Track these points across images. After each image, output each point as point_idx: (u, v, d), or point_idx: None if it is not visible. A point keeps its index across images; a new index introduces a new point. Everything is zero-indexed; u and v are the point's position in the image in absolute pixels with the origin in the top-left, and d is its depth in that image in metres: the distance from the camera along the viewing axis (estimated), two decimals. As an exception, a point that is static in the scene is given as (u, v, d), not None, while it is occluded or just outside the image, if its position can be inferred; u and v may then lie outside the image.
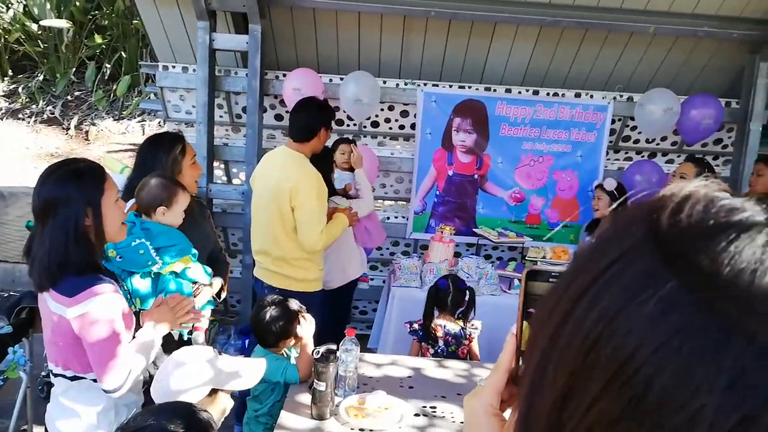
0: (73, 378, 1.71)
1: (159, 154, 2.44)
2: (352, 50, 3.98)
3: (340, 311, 3.62)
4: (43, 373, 3.37)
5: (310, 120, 2.84)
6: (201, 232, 2.54)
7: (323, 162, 3.01)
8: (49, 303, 1.66)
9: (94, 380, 1.69)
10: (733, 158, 3.95)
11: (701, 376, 0.26)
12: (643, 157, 4.18)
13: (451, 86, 3.94)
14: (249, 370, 1.73)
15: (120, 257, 2.10)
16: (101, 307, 1.61)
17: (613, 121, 3.93)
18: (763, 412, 0.25)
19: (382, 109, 4.00)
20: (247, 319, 3.87)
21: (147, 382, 1.85)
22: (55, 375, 1.75)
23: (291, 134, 2.89)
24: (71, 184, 1.63)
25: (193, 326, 2.21)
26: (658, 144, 4.16)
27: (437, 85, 3.93)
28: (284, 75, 3.84)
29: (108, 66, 7.22)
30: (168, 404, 1.31)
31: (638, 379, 0.28)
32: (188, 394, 1.44)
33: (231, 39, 3.73)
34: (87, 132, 6.91)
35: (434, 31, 3.82)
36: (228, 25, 3.85)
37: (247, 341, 3.46)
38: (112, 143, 6.84)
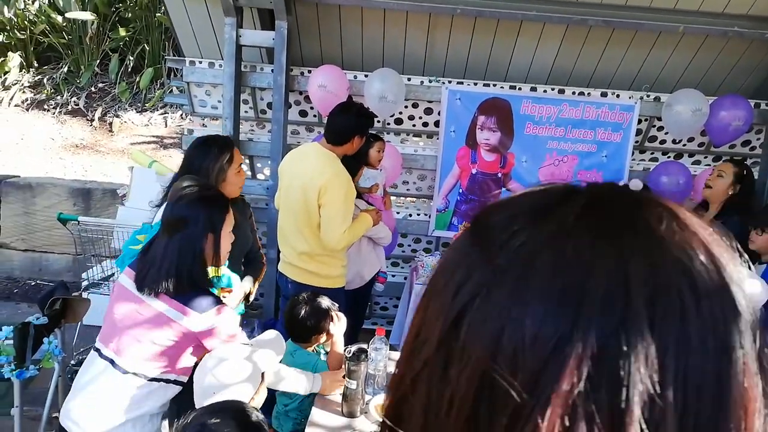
0: (152, 380, 1.82)
1: (206, 160, 2.44)
2: (376, 47, 3.99)
3: (358, 310, 3.65)
4: (72, 362, 3.45)
5: (346, 126, 2.85)
6: (240, 232, 2.56)
7: (352, 162, 3.02)
8: (160, 307, 1.79)
9: (174, 382, 1.84)
10: (762, 161, 3.91)
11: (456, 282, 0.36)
12: (669, 157, 4.14)
13: (475, 84, 3.93)
14: (274, 345, 1.83)
15: None
16: (228, 322, 1.85)
17: (639, 121, 3.90)
18: (468, 309, 0.35)
19: (405, 107, 4.00)
20: (270, 313, 3.93)
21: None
22: (124, 371, 1.82)
23: (325, 135, 2.91)
24: (202, 208, 1.83)
25: None
26: (684, 145, 4.12)
27: (461, 83, 3.92)
28: (309, 71, 3.86)
29: (131, 58, 7.30)
30: (221, 404, 1.34)
31: (452, 311, 0.36)
32: (232, 391, 1.48)
33: (257, 35, 3.76)
34: (111, 123, 7.00)
35: (459, 29, 3.81)
36: (254, 21, 3.87)
37: (270, 335, 3.50)
38: (136, 135, 6.92)
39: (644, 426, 0.30)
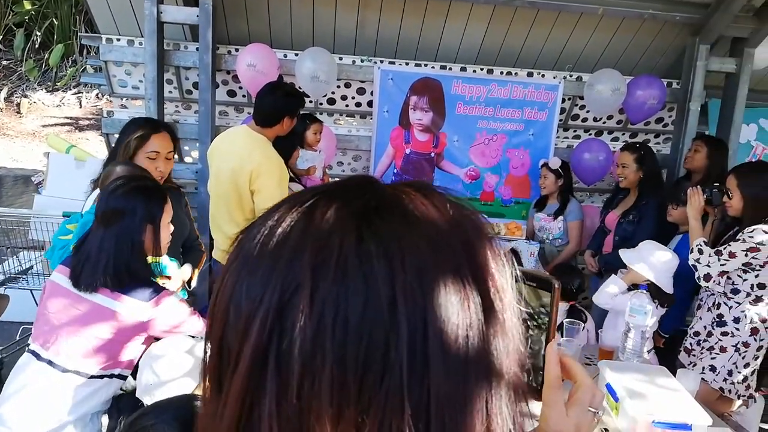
0: (95, 377, 1.74)
1: (121, 136, 2.32)
2: (306, 25, 3.91)
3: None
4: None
5: (275, 107, 2.76)
6: (177, 221, 2.45)
7: (285, 144, 2.96)
8: (98, 300, 1.71)
9: (117, 376, 1.78)
10: (674, 136, 4.16)
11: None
12: (590, 135, 4.34)
13: (407, 63, 3.94)
14: None
15: None
16: (171, 311, 1.80)
17: (563, 100, 4.05)
18: (220, 287, 0.42)
19: (338, 86, 3.96)
20: (205, 300, 3.83)
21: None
22: (64, 370, 1.73)
23: (254, 117, 2.83)
24: (139, 200, 1.77)
25: None
26: (604, 123, 4.32)
27: (393, 63, 3.92)
28: (236, 50, 3.73)
29: (38, 34, 6.78)
30: (170, 401, 1.30)
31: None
32: (171, 387, 1.44)
33: (180, 11, 3.57)
34: (18, 104, 6.50)
35: (390, 8, 3.79)
36: (176, -4, 3.68)
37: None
38: (47, 116, 6.47)
39: (306, 368, 0.36)
